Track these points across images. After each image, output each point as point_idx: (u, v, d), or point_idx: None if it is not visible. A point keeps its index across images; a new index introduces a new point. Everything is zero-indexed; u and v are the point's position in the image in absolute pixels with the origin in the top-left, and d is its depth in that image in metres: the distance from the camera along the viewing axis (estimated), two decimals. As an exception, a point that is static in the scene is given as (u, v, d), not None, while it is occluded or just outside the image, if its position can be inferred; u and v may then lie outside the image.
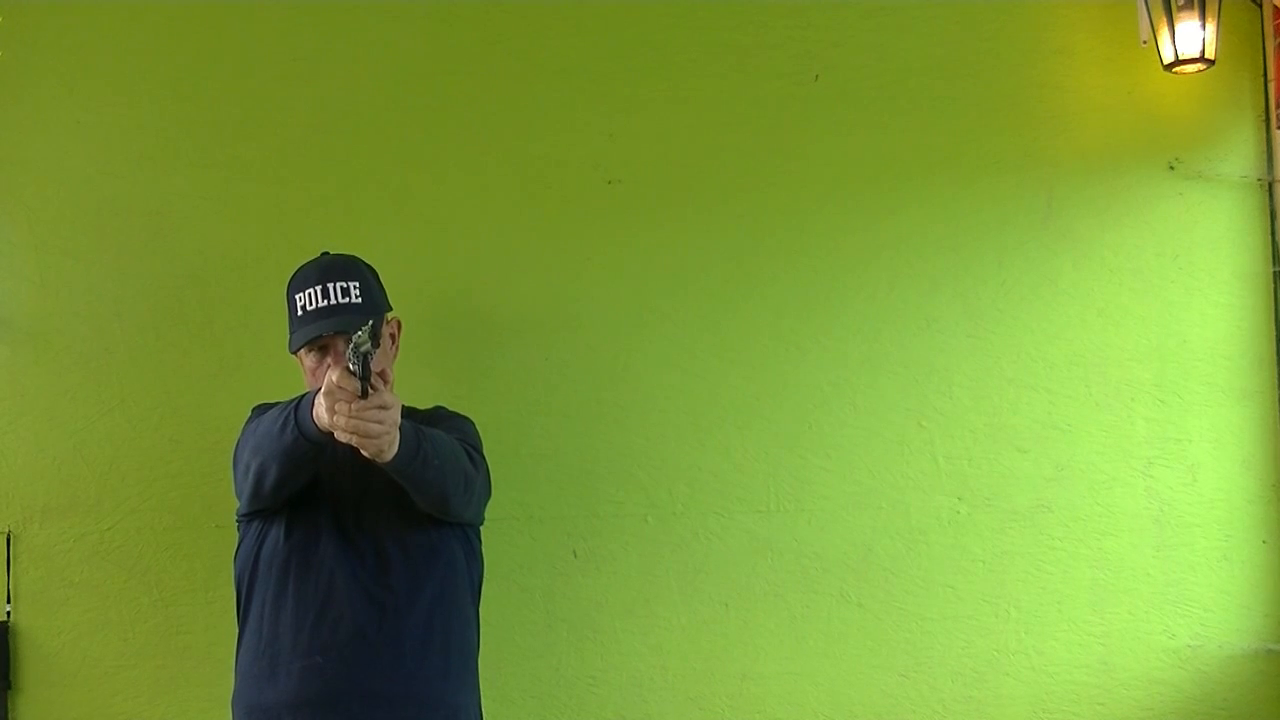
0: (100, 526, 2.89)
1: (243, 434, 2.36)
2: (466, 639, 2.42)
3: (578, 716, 2.97)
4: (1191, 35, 3.00)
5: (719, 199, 3.07)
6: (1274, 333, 3.13)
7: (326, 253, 2.49)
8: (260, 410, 2.39)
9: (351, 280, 2.36)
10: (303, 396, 2.15)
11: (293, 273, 2.46)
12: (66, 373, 2.91)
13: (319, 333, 2.33)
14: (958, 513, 3.07)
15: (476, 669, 2.45)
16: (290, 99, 3.00)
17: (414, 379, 2.79)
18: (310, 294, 2.35)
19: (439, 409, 2.57)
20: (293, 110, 3.00)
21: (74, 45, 2.97)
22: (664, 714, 2.99)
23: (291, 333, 2.41)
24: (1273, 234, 3.14)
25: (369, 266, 2.48)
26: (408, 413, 2.28)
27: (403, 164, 3.01)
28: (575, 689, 2.97)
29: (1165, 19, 3.01)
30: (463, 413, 2.56)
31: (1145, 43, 3.10)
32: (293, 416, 2.12)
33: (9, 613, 2.86)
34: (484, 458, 2.45)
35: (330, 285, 2.34)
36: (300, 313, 2.37)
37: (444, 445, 2.23)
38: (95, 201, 2.95)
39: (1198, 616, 3.09)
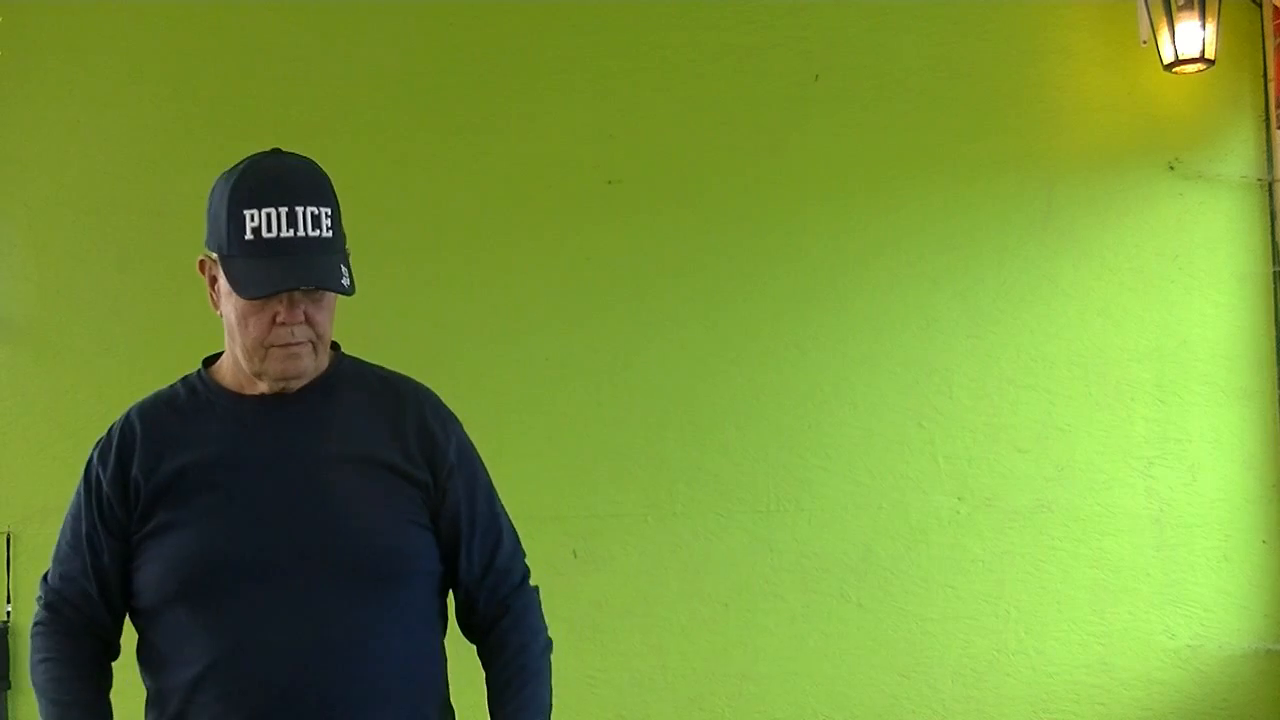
0: (100, 526, 2.89)
1: (62, 527, 1.78)
2: (436, 673, 1.82)
3: (578, 716, 2.96)
4: (1191, 35, 3.00)
5: (719, 199, 3.07)
6: (1274, 333, 3.13)
7: (279, 150, 1.84)
8: (73, 506, 1.80)
9: (323, 206, 1.77)
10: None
11: (234, 166, 1.79)
12: (66, 373, 2.91)
13: (292, 285, 1.70)
14: (958, 513, 3.07)
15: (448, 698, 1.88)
16: (290, 99, 3.00)
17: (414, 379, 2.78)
18: (270, 216, 1.72)
19: (423, 388, 1.98)
20: (293, 110, 3.00)
21: (74, 45, 2.97)
22: (664, 714, 2.99)
23: (229, 254, 1.71)
24: (1273, 234, 3.14)
25: (330, 181, 1.83)
26: (376, 371, 1.89)
27: (402, 164, 3.01)
28: (575, 689, 2.97)
29: (1165, 19, 3.01)
30: (454, 416, 1.98)
31: (1145, 43, 3.10)
32: None
33: (9, 613, 2.86)
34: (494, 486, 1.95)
35: (300, 210, 1.73)
36: (251, 235, 1.70)
37: (546, 678, 1.80)
38: (95, 201, 2.95)
39: (1198, 616, 3.09)
